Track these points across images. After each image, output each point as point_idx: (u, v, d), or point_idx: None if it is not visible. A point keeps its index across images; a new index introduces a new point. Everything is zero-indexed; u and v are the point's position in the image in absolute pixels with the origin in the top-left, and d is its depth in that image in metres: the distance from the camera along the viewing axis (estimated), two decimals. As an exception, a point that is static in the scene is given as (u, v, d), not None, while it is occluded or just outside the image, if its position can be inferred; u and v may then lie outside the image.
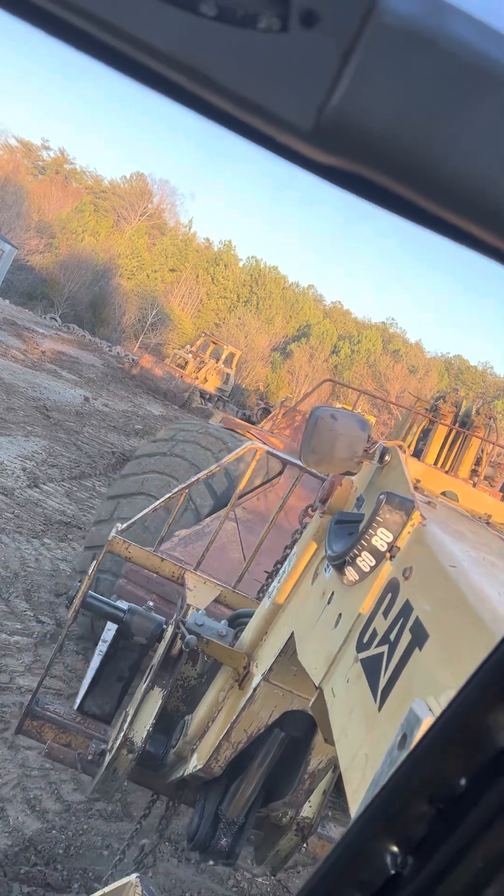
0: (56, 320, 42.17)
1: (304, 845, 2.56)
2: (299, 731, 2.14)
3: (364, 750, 1.09)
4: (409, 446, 9.22)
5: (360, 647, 1.29)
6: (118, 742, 2.43)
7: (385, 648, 1.17)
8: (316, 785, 2.24)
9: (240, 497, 6.39)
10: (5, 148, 72.87)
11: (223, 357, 33.07)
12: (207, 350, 33.74)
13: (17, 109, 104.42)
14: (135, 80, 0.40)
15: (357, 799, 1.02)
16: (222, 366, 32.51)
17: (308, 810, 2.35)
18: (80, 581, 2.93)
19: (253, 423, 14.90)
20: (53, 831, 3.83)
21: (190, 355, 32.27)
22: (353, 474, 1.96)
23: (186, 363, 31.37)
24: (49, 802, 4.02)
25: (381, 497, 1.40)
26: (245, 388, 57.27)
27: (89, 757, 2.77)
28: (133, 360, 33.10)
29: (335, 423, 1.86)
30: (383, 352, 74.09)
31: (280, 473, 6.48)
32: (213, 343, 34.53)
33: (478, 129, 0.40)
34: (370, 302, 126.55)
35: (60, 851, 3.71)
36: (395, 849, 0.49)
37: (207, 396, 30.39)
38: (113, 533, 3.15)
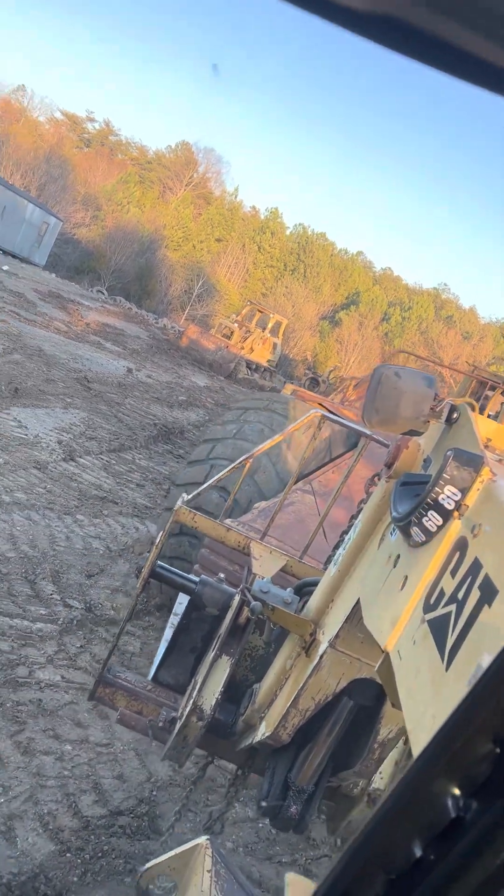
0: (102, 293, 41.91)
1: None
2: (368, 699, 2.10)
3: (431, 711, 1.09)
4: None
5: (427, 608, 1.28)
6: (188, 710, 2.45)
7: (453, 608, 1.17)
8: (386, 755, 2.22)
9: (317, 469, 6.52)
10: (51, 121, 72.67)
11: (269, 326, 32.18)
12: (253, 319, 32.88)
13: (61, 81, 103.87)
14: None
15: None
16: (269, 335, 31.66)
17: (380, 781, 2.31)
18: (149, 551, 2.80)
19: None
20: (68, 854, 3.34)
21: (236, 325, 31.50)
22: (419, 434, 1.85)
23: (232, 333, 30.62)
24: (65, 819, 3.54)
25: (449, 453, 1.36)
26: (293, 359, 56.31)
27: (160, 724, 2.80)
28: (179, 331, 32.58)
29: (399, 381, 1.80)
30: (436, 318, 71.88)
31: (356, 445, 6.30)
32: (260, 311, 33.62)
33: None
34: (421, 268, 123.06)
35: (75, 879, 3.23)
36: (456, 791, 0.48)
37: (254, 367, 29.66)
38: (179, 503, 3.08)
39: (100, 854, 3.42)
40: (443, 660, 1.12)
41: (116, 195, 64.89)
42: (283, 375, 38.22)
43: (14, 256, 37.38)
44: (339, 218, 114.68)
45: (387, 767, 2.29)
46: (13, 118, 63.36)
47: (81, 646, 5.04)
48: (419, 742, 1.08)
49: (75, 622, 5.29)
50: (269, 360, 31.53)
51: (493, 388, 11.53)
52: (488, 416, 10.44)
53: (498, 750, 0.47)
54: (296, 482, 6.35)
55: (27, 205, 41.22)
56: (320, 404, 7.93)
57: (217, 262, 68.28)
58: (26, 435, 9.17)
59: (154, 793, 3.99)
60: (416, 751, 1.04)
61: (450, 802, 0.48)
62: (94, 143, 75.41)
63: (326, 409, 7.10)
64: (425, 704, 1.13)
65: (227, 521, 4.56)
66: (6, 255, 35.99)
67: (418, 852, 0.50)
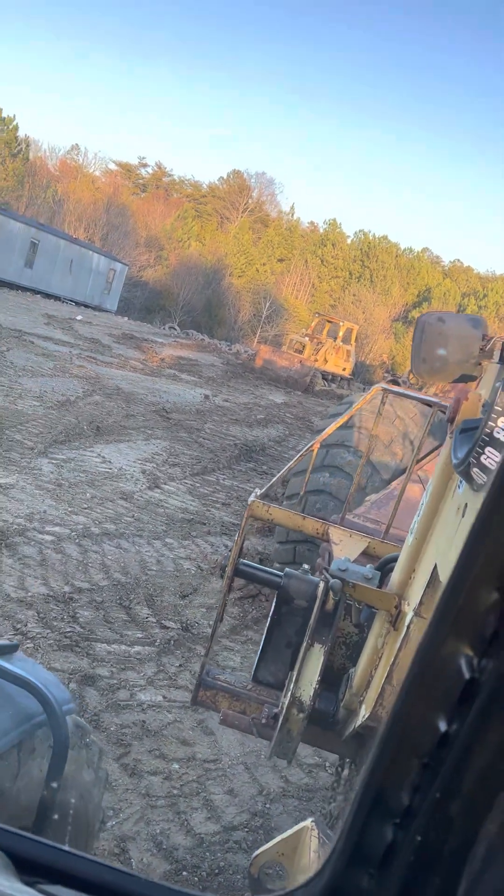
0: (175, 329, 42.92)
1: None
2: None
3: None
4: None
5: None
6: (287, 703, 2.43)
7: None
8: None
9: (419, 460, 6.48)
10: (106, 173, 75.74)
11: (340, 334, 31.91)
12: (324, 330, 32.74)
13: (111, 134, 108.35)
14: None
15: None
16: (341, 343, 31.40)
17: None
18: (228, 552, 2.86)
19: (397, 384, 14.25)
20: (184, 872, 3.28)
21: (306, 338, 31.44)
22: (473, 379, 1.79)
23: (303, 347, 30.57)
24: (178, 837, 3.48)
25: (497, 385, 1.36)
26: (370, 364, 55.60)
27: (263, 720, 2.79)
28: (252, 353, 32.84)
29: (444, 326, 1.77)
30: (514, 303, 69.42)
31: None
32: (329, 322, 33.44)
33: None
34: (492, 256, 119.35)
35: (193, 898, 3.16)
36: (468, 651, 0.47)
37: (330, 377, 29.45)
38: (252, 497, 3.11)
39: (216, 871, 3.33)
40: None
41: (176, 233, 66.65)
42: (362, 382, 37.76)
43: (87, 306, 38.94)
44: (400, 218, 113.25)
45: None
46: (71, 176, 66.46)
47: (181, 665, 5.02)
48: None
49: (172, 642, 5.28)
50: (344, 369, 31.24)
51: None
52: None
53: (500, 598, 0.45)
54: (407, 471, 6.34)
55: (93, 255, 42.93)
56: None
57: (282, 281, 68.73)
58: (111, 469, 9.39)
59: (267, 805, 3.88)
60: None
61: (463, 664, 0.47)
62: (150, 187, 77.97)
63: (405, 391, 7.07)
64: None
65: (348, 516, 4.52)
66: (79, 305, 37.51)
67: (443, 726, 0.49)
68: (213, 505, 9.20)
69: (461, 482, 1.64)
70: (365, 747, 2.63)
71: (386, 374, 35.07)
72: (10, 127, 55.66)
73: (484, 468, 1.34)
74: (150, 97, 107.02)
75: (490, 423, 1.31)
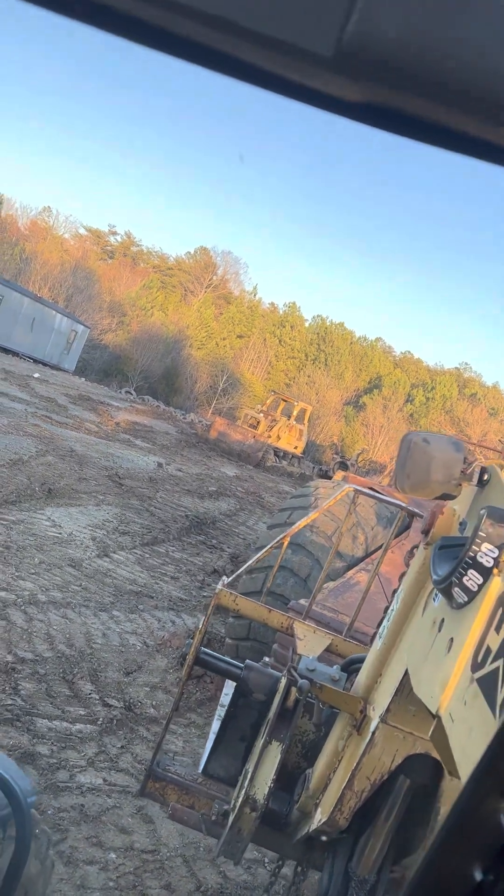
0: (131, 393, 43.10)
1: None
2: (424, 776, 2.01)
3: None
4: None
5: (475, 666, 1.29)
6: (240, 800, 2.37)
7: (500, 663, 1.18)
8: None
9: (374, 552, 6.60)
10: (76, 237, 77.15)
11: (294, 414, 32.63)
12: (279, 408, 33.41)
13: (83, 199, 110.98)
14: (138, 38, 0.40)
15: None
16: (294, 422, 32.04)
17: None
18: (190, 638, 2.76)
19: (329, 478, 14.43)
20: None
21: (261, 415, 31.99)
22: (452, 498, 1.87)
23: (258, 422, 31.08)
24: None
25: (482, 512, 1.39)
26: (320, 444, 56.58)
27: (213, 818, 2.71)
28: (207, 424, 33.13)
29: (429, 447, 1.83)
30: (460, 396, 72.29)
31: (408, 527, 6.43)
32: (284, 401, 34.20)
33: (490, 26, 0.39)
34: (441, 349, 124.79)
35: None
36: None
37: (281, 454, 29.85)
38: (219, 586, 3.08)
39: None
40: (495, 715, 1.12)
41: (140, 301, 67.83)
42: (311, 461, 38.35)
43: (45, 364, 38.87)
44: (357, 306, 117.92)
45: None
46: (40, 237, 67.42)
47: (122, 746, 4.89)
48: None
49: (115, 721, 5.14)
50: (296, 447, 31.76)
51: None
52: None
53: None
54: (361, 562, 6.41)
55: (55, 315, 43.19)
56: (371, 487, 7.96)
57: (240, 357, 70.21)
58: (60, 534, 9.25)
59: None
60: None
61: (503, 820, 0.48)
62: (118, 255, 79.59)
63: (374, 490, 7.16)
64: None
65: (301, 601, 4.54)
66: (37, 363, 37.43)
67: (479, 876, 0.49)
68: (162, 578, 9.11)
69: (437, 595, 1.69)
70: (315, 852, 2.57)
71: (335, 456, 35.75)
72: (-14, 184, 56.46)
73: (465, 589, 1.41)
74: (125, 168, 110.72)
75: (474, 547, 1.39)
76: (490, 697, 1.17)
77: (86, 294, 58.15)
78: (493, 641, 1.25)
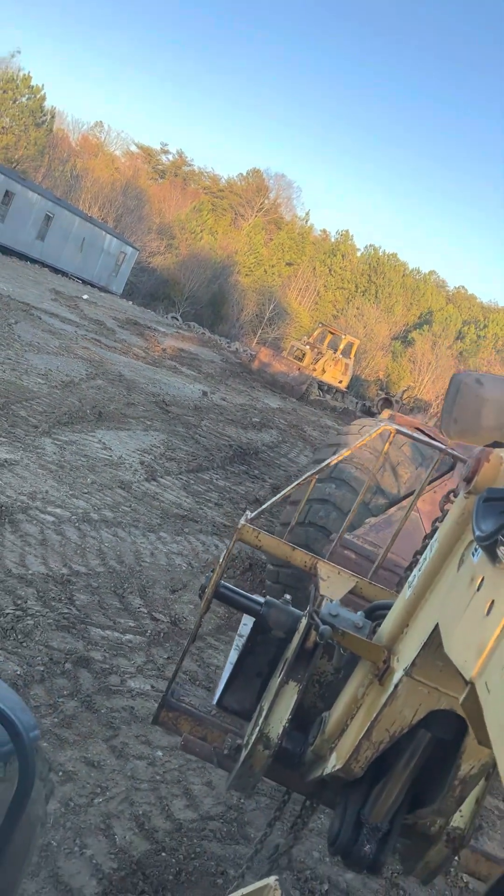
0: (177, 319, 43.04)
1: (456, 858, 2.33)
2: (448, 732, 1.93)
3: None
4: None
5: None
6: (254, 737, 2.32)
7: None
8: (468, 793, 2.02)
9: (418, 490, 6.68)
10: (127, 154, 75.56)
11: (341, 347, 32.26)
12: (325, 341, 33.04)
13: (136, 115, 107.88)
14: None
15: None
16: (341, 356, 31.73)
17: (459, 820, 2.12)
18: (211, 571, 2.74)
19: (373, 415, 14.36)
20: (163, 853, 3.49)
21: (307, 346, 31.72)
22: (502, 446, 1.72)
23: (304, 355, 30.86)
24: (159, 820, 3.70)
25: None
26: (365, 379, 56.00)
27: (225, 751, 2.68)
28: (251, 354, 33.03)
29: (481, 388, 1.72)
30: (513, 336, 70.18)
31: (453, 467, 6.41)
32: (331, 333, 33.76)
33: None
34: (496, 286, 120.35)
35: (170, 878, 3.37)
36: None
37: (325, 388, 29.74)
38: (242, 521, 2.96)
39: (192, 856, 3.55)
40: None
41: (190, 223, 66.65)
42: (356, 396, 38.12)
43: (93, 286, 38.91)
44: (411, 238, 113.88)
45: (467, 806, 2.15)
46: (91, 153, 66.23)
47: (168, 657, 5.23)
48: None
49: (162, 634, 5.49)
50: (340, 381, 31.56)
51: None
52: None
53: None
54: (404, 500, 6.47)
55: (105, 235, 42.90)
56: (418, 428, 7.93)
57: (288, 285, 68.99)
58: (111, 456, 9.56)
59: (242, 801, 4.11)
60: None
61: None
62: (168, 174, 77.89)
63: (419, 430, 7.12)
64: None
65: (347, 535, 4.57)
66: (86, 284, 37.49)
67: None
68: (207, 504, 9.40)
69: (476, 550, 1.55)
70: (327, 791, 2.50)
71: (380, 392, 35.47)
72: (38, 96, 55.37)
73: None
74: (179, 84, 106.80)
75: None
76: None
77: (135, 215, 57.40)
78: None
